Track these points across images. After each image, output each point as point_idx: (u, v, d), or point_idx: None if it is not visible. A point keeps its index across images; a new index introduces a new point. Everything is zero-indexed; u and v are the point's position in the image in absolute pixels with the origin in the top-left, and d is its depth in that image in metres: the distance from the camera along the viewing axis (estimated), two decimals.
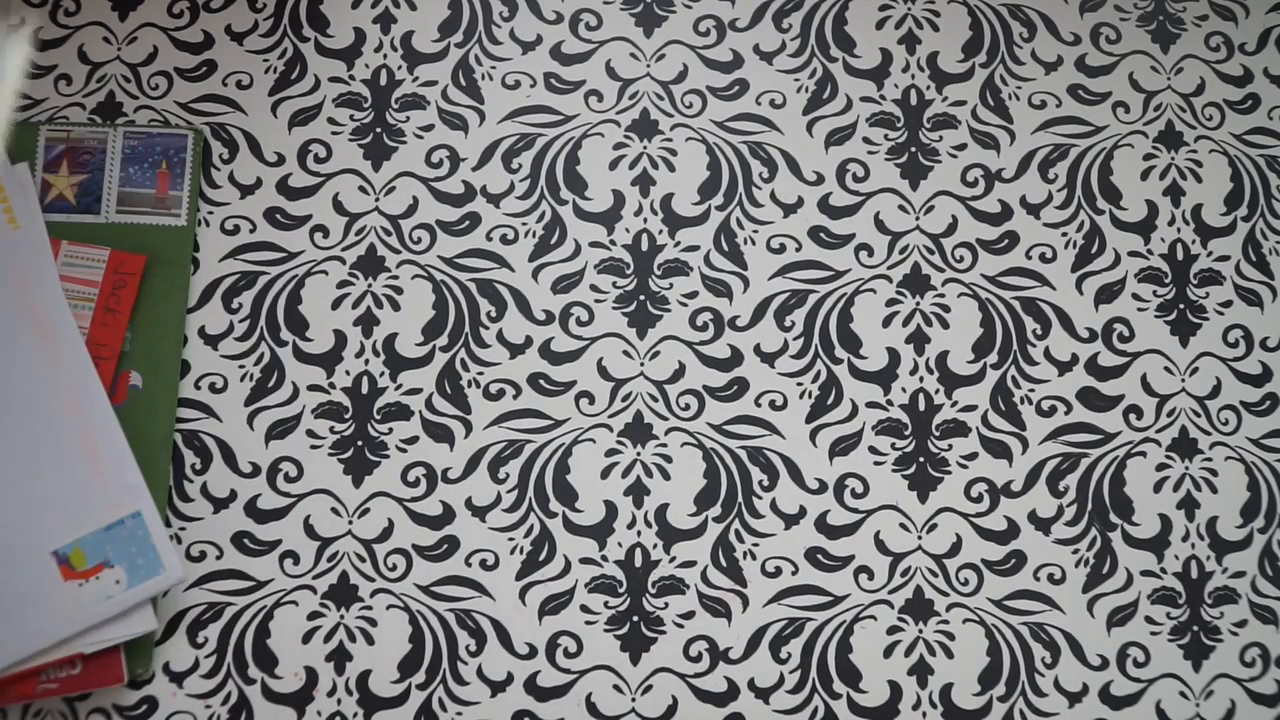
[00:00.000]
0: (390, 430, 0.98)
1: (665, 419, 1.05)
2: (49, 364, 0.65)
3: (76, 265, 0.69)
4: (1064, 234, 1.04)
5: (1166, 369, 1.08)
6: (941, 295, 1.11)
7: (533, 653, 0.81)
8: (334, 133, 0.92)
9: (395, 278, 1.04)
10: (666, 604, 0.96)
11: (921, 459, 1.07)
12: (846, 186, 1.13)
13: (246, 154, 0.88)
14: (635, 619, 0.91)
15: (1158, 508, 1.09)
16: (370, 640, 0.79)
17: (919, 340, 1.10)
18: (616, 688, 0.83)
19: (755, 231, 1.11)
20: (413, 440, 0.99)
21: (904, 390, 1.09)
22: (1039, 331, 1.10)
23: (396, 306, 1.03)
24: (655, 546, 0.97)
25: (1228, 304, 0.96)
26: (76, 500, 0.66)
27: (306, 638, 0.76)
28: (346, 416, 0.88)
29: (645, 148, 1.10)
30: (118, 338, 0.68)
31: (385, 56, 0.99)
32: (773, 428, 1.06)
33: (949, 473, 1.07)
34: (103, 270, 0.69)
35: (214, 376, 0.79)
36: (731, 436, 1.06)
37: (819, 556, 1.04)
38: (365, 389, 0.92)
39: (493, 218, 1.08)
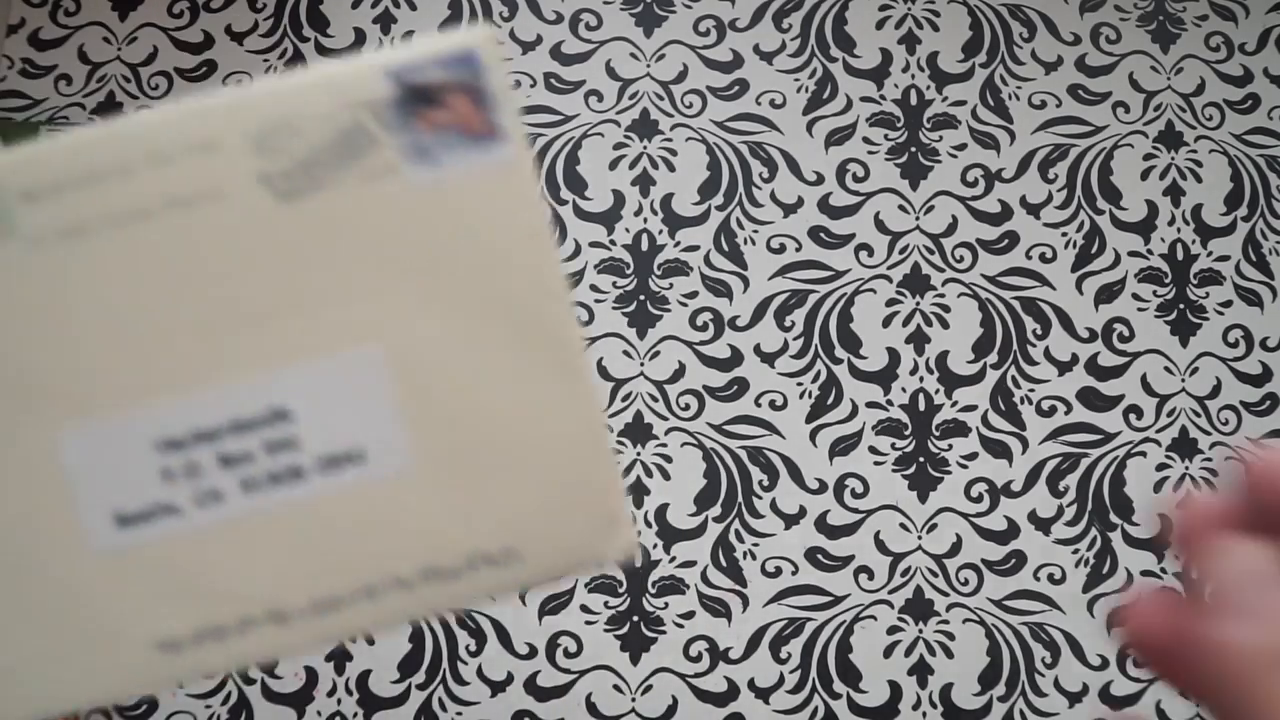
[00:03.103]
0: None
1: (665, 419, 1.05)
2: None
3: None
4: (1064, 234, 1.04)
5: (1166, 369, 1.08)
6: (942, 295, 1.11)
7: (533, 653, 0.81)
8: None
9: None
10: (666, 604, 0.96)
11: (921, 459, 1.07)
12: (846, 186, 1.13)
13: None
14: (635, 619, 0.90)
15: (1158, 508, 1.09)
16: (370, 640, 0.79)
17: (919, 340, 1.10)
18: (616, 688, 0.83)
19: (755, 231, 1.11)
20: None
21: (904, 390, 1.09)
22: (1039, 331, 1.10)
23: None
24: (655, 546, 0.97)
25: (1228, 304, 0.96)
26: None
27: None
28: None
29: (645, 148, 1.10)
30: None
31: None
32: (773, 428, 1.06)
33: (949, 472, 1.07)
34: None
35: None
36: (732, 436, 1.06)
37: (819, 556, 1.04)
38: None
39: None
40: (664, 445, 1.03)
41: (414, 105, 0.33)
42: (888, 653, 1.01)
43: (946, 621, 1.03)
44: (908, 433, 1.07)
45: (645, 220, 1.09)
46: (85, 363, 0.34)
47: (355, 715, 0.74)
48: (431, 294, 0.34)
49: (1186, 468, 1.10)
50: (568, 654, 0.84)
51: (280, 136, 0.33)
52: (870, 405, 1.08)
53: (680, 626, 0.90)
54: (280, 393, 0.33)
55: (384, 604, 0.35)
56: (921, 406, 1.08)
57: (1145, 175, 0.98)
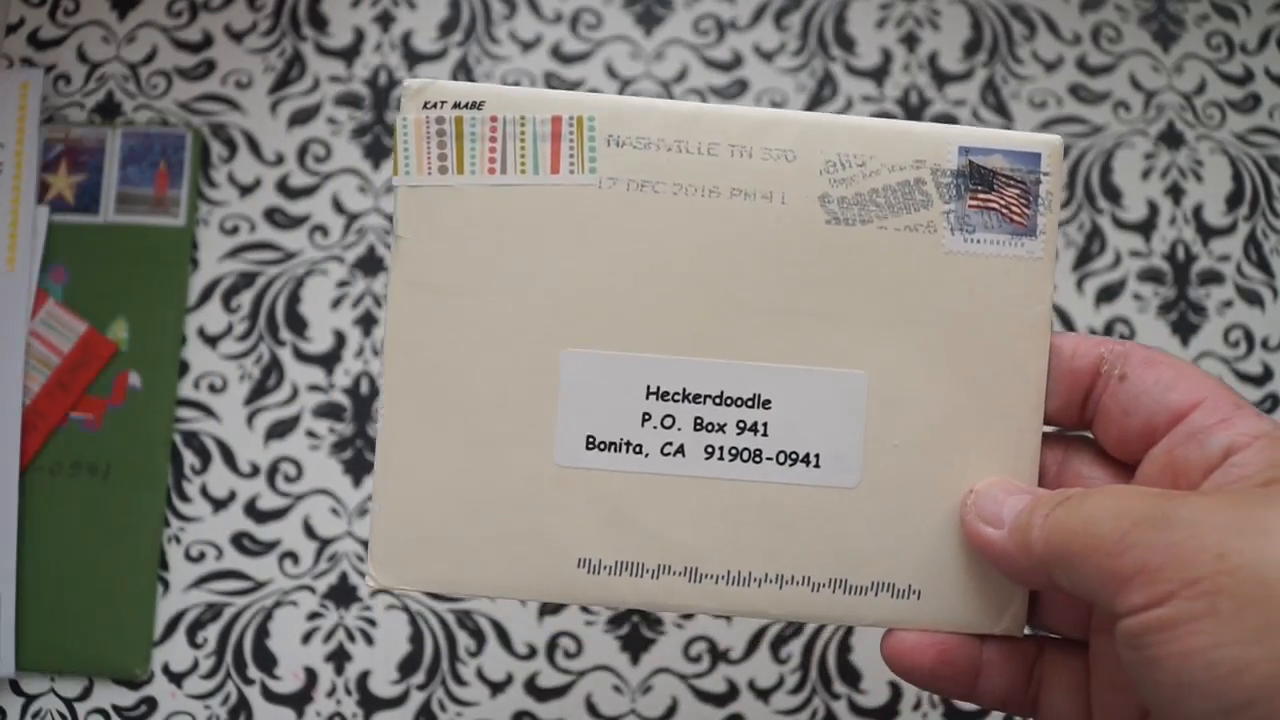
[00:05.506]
0: None
1: None
2: None
3: (51, 328, 0.67)
4: (1064, 233, 1.04)
5: None
6: None
7: (533, 653, 0.81)
8: (333, 132, 0.92)
9: None
10: None
11: None
12: None
13: (246, 153, 0.88)
14: (635, 619, 0.90)
15: None
16: (370, 640, 0.79)
17: None
18: (616, 688, 0.83)
19: None
20: None
21: None
22: None
23: None
24: None
25: (1229, 304, 0.96)
26: None
27: (306, 638, 0.76)
28: (345, 416, 0.88)
29: None
30: (58, 413, 0.65)
31: (385, 56, 0.99)
32: None
33: None
34: (72, 343, 0.67)
35: (213, 376, 0.79)
36: None
37: None
38: (365, 389, 0.92)
39: None
40: None
41: (972, 182, 0.36)
42: None
43: None
44: None
45: None
46: (612, 298, 0.36)
47: (355, 716, 0.74)
48: (923, 344, 0.36)
49: None
50: (568, 654, 0.84)
51: (850, 168, 0.36)
52: None
53: (680, 627, 0.90)
54: (769, 383, 0.37)
55: (786, 597, 0.37)
56: None
57: (1146, 175, 0.98)
